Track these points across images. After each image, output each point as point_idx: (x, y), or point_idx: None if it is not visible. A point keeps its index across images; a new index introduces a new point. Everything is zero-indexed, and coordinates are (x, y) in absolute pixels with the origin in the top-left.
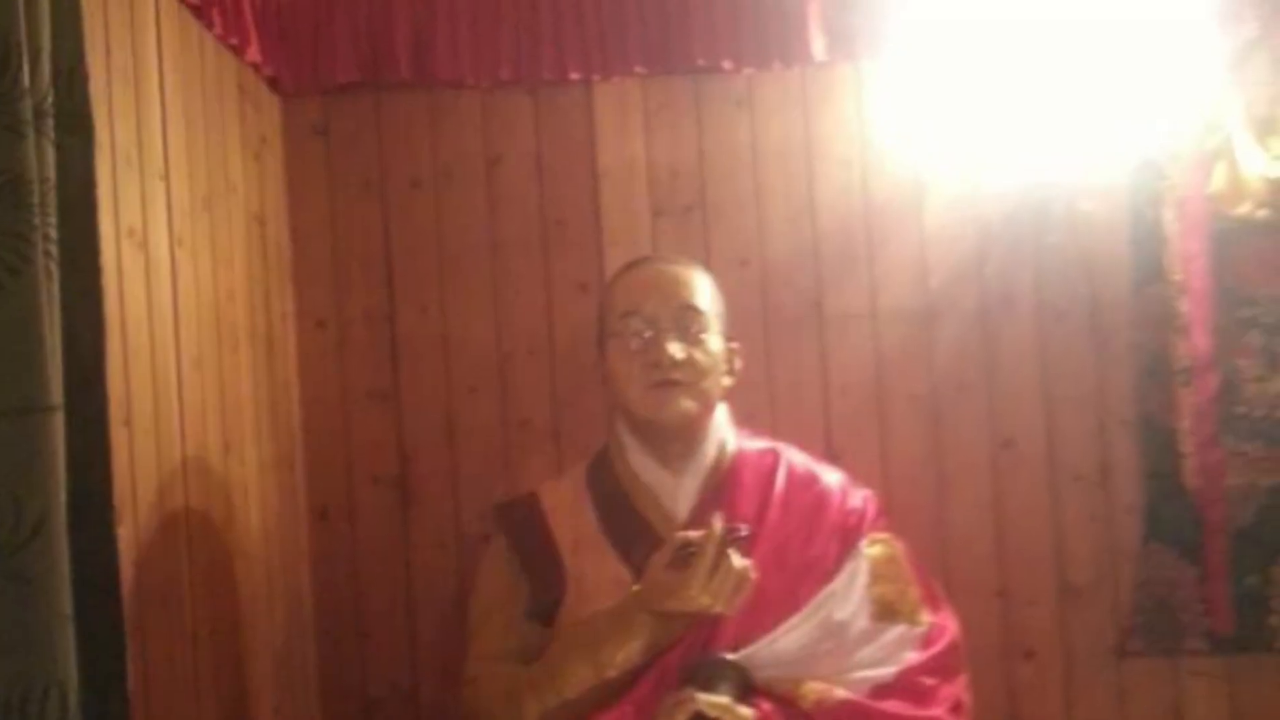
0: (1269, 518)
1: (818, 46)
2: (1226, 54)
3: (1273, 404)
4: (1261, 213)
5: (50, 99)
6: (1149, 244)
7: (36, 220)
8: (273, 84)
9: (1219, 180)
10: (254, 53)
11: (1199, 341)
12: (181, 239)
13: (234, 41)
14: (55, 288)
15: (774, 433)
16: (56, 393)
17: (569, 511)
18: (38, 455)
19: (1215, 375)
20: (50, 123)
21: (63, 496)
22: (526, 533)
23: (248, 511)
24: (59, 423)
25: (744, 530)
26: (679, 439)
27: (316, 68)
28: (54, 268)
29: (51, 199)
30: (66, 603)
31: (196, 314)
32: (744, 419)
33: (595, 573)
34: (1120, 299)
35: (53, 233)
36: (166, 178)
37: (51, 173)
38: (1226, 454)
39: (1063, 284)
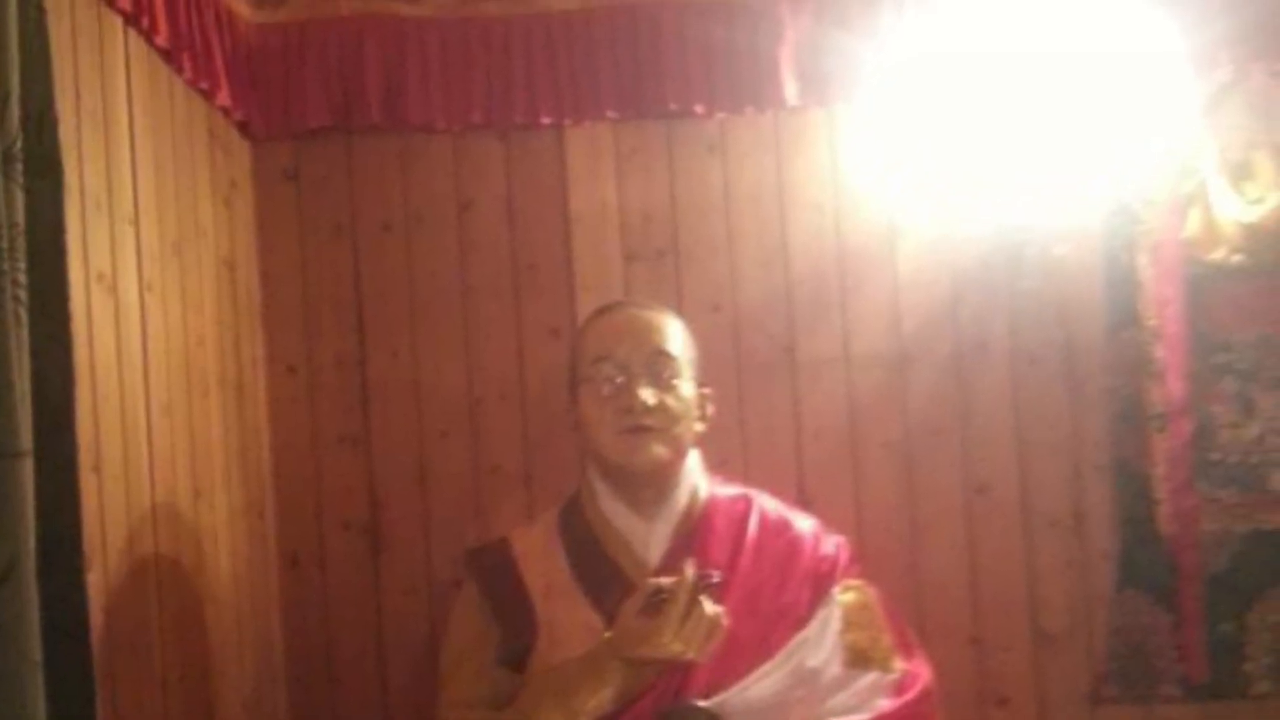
0: (1243, 564)
1: (790, 91)
2: (1201, 98)
3: (1247, 450)
4: (1236, 258)
5: (19, 143)
6: (1123, 289)
7: (5, 265)
8: (243, 128)
9: (1194, 225)
10: (224, 97)
11: (1173, 387)
12: (151, 284)
13: (204, 86)
14: (24, 333)
15: (747, 478)
16: (26, 438)
17: (540, 557)
18: (7, 501)
19: (1190, 421)
20: (19, 167)
21: (32, 542)
22: (498, 579)
23: (218, 558)
24: (28, 468)
25: (716, 577)
26: (651, 485)
27: (287, 112)
28: (23, 313)
29: (20, 243)
30: (36, 649)
31: (166, 359)
32: (717, 464)
33: (567, 619)
34: (1094, 344)
35: (22, 278)
36: (136, 222)
37: (20, 217)
38: (1201, 500)
39: (1037, 329)
